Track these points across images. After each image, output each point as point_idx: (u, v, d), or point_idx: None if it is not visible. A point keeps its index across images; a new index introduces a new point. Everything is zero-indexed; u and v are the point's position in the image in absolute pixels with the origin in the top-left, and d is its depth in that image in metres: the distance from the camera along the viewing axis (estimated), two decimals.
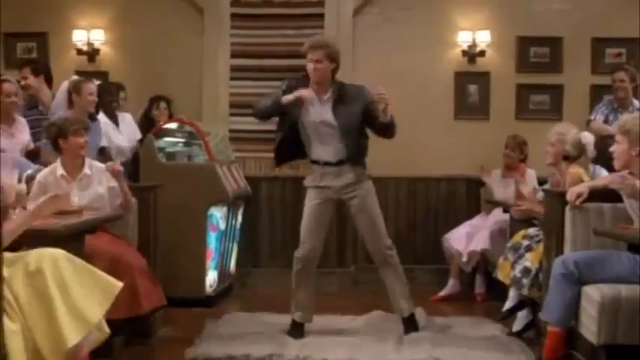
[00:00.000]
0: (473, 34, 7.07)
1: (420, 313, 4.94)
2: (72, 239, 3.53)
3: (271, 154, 4.86)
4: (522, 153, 6.14)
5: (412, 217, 7.10)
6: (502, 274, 4.76)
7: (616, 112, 6.15)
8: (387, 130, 4.57)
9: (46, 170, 4.41)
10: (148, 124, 6.32)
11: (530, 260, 4.53)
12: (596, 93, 6.91)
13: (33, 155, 4.98)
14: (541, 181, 5.41)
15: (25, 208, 3.54)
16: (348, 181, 4.63)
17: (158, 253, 4.98)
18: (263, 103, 4.61)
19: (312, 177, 4.68)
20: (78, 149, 4.37)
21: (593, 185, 4.14)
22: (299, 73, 4.80)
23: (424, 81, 7.10)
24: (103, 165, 4.50)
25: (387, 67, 6.97)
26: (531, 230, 4.74)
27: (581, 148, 4.70)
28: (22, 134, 5.07)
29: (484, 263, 5.94)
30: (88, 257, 3.53)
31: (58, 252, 3.11)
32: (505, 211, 5.74)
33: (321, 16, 7.06)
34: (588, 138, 4.81)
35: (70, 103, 5.26)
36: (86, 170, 4.41)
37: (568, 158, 4.67)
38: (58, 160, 4.42)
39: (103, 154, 5.40)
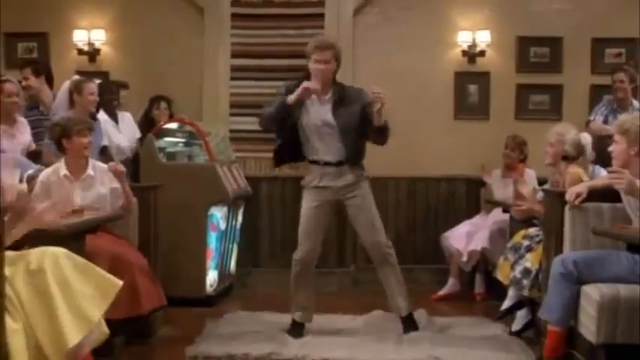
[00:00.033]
0: (473, 34, 7.08)
1: (421, 314, 4.96)
2: (73, 238, 3.54)
3: (271, 155, 4.86)
4: (522, 153, 6.15)
5: (412, 217, 7.11)
6: (502, 275, 4.76)
7: (615, 112, 6.15)
8: (380, 133, 4.52)
9: (48, 170, 4.42)
10: (148, 124, 6.32)
11: (530, 261, 4.53)
12: (596, 93, 6.92)
13: (35, 156, 4.99)
14: (541, 181, 5.41)
15: (26, 207, 3.54)
16: (347, 181, 4.64)
17: (158, 253, 4.99)
18: (268, 111, 4.58)
19: (311, 177, 4.68)
20: (82, 149, 4.39)
21: (592, 185, 4.15)
22: (299, 73, 4.81)
23: (424, 81, 7.11)
24: (105, 165, 4.52)
25: (387, 67, 6.99)
26: (531, 230, 4.74)
27: (580, 148, 4.71)
28: (23, 135, 5.08)
29: (484, 263, 5.95)
30: (89, 256, 3.53)
31: (60, 251, 3.12)
32: (505, 211, 5.75)
33: (322, 16, 7.08)
34: (587, 139, 4.82)
35: (72, 103, 5.27)
36: (90, 171, 4.43)
37: (567, 158, 4.68)
38: (62, 160, 4.43)
39: (104, 154, 5.41)
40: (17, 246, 3.20)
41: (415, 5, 7.13)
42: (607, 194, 4.00)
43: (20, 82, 5.40)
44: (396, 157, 6.72)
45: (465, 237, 6.00)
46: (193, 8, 7.16)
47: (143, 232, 4.79)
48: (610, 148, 3.89)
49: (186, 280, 5.45)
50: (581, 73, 7.10)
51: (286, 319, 4.80)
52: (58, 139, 4.40)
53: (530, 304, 4.60)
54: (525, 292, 4.51)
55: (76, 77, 5.50)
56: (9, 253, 2.98)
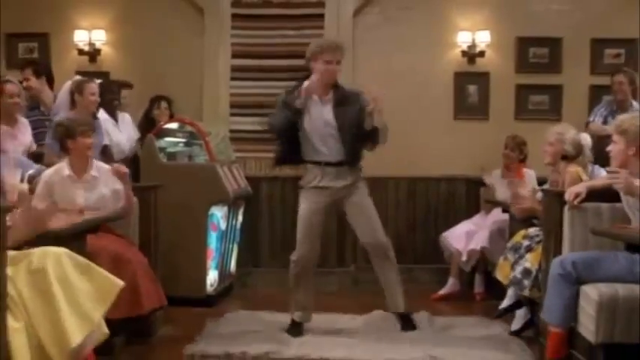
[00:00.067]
0: (472, 35, 7.09)
1: (422, 316, 4.98)
2: (74, 238, 3.55)
3: (271, 155, 4.87)
4: (522, 153, 6.16)
5: (412, 217, 7.12)
6: (501, 275, 4.76)
7: (615, 114, 6.14)
8: (370, 137, 4.57)
9: (50, 170, 4.43)
10: (148, 124, 6.33)
11: (530, 261, 4.53)
12: (595, 93, 6.94)
13: (36, 158, 5.00)
14: (541, 181, 5.42)
15: (27, 207, 3.55)
16: (346, 182, 4.66)
17: (159, 253, 5.00)
18: (277, 119, 4.59)
19: (311, 177, 4.69)
20: (85, 150, 4.40)
21: (591, 185, 4.15)
22: (299, 73, 4.82)
23: (424, 81, 7.12)
24: (108, 166, 4.53)
25: (387, 68, 7.00)
26: (531, 230, 4.74)
27: (579, 147, 4.72)
28: (24, 135, 5.10)
29: (483, 263, 5.96)
30: (91, 256, 3.54)
31: (61, 250, 3.13)
32: (505, 211, 5.76)
33: (322, 16, 7.09)
34: (587, 139, 4.82)
35: (73, 104, 5.27)
36: (94, 172, 4.44)
37: (566, 158, 4.69)
38: (66, 160, 4.44)
39: (105, 154, 5.42)
40: (18, 246, 3.21)
41: (415, 5, 7.14)
42: (606, 194, 4.01)
43: (21, 82, 5.41)
44: (396, 157, 6.73)
45: (465, 237, 6.02)
46: (193, 9, 7.18)
47: (144, 232, 4.80)
48: (608, 148, 3.89)
49: (186, 280, 5.46)
50: (581, 73, 7.10)
51: (286, 318, 4.81)
52: (62, 139, 4.42)
53: (530, 303, 4.61)
54: (526, 293, 4.50)
55: (78, 77, 5.51)
56: (10, 253, 2.99)
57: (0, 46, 7.17)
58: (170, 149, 6.03)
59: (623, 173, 3.67)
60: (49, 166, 4.58)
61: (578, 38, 7.07)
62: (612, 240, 3.90)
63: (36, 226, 3.28)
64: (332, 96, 4.62)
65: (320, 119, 4.59)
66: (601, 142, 4.96)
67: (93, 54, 7.17)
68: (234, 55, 7.13)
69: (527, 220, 4.91)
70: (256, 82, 7.06)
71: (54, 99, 5.56)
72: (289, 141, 4.66)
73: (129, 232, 4.62)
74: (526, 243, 4.65)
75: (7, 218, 2.92)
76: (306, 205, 4.69)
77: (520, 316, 4.72)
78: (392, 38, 7.12)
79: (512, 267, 4.62)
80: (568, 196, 4.10)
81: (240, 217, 6.32)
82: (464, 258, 5.94)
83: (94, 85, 5.36)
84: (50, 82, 5.80)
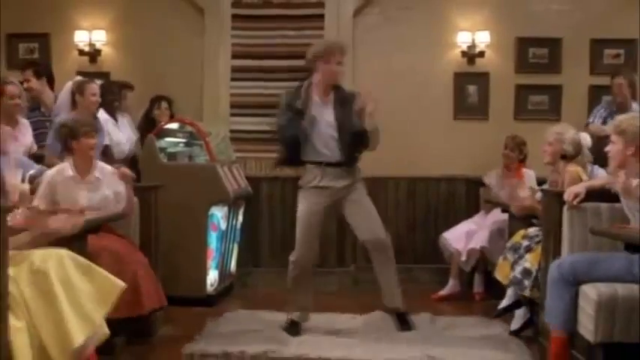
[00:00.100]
0: (472, 35, 7.09)
1: (424, 317, 4.99)
2: (75, 238, 3.56)
3: (271, 154, 4.88)
4: (521, 153, 6.17)
5: (412, 217, 7.13)
6: (501, 275, 4.77)
7: (614, 115, 6.13)
8: (362, 139, 4.58)
9: (53, 170, 4.43)
10: (149, 125, 6.33)
11: (530, 261, 4.53)
12: (595, 94, 6.95)
13: (36, 160, 5.01)
14: (540, 181, 5.43)
15: (28, 207, 3.57)
16: (346, 182, 4.68)
17: (159, 253, 5.01)
18: (289, 131, 4.59)
19: (311, 177, 4.69)
20: (89, 150, 4.42)
21: (590, 185, 4.16)
22: (299, 73, 4.84)
23: (424, 81, 7.13)
24: (111, 168, 4.54)
25: (387, 68, 7.01)
26: (531, 230, 4.74)
27: (579, 147, 4.73)
28: (25, 136, 5.10)
29: (483, 262, 5.97)
30: (92, 256, 3.56)
31: (63, 252, 3.14)
32: (504, 211, 5.76)
33: (322, 16, 7.09)
34: (586, 139, 4.83)
35: (74, 104, 5.28)
36: (97, 174, 4.45)
37: (566, 157, 4.70)
38: (69, 161, 4.45)
39: (106, 154, 5.43)
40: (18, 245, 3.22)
41: (415, 6, 7.15)
42: (605, 194, 4.01)
43: (22, 83, 5.42)
44: (396, 157, 6.74)
45: (465, 237, 6.02)
46: (194, 9, 7.18)
47: (144, 232, 4.81)
48: (607, 149, 3.89)
49: (186, 280, 5.47)
50: (580, 73, 7.11)
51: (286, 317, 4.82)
52: (66, 139, 4.43)
53: (530, 303, 4.61)
54: (527, 293, 4.50)
55: (78, 78, 5.51)
56: (12, 253, 3.00)
57: (0, 46, 7.18)
58: (170, 149, 6.05)
59: (621, 175, 3.67)
60: (49, 167, 4.59)
61: (577, 38, 7.07)
62: (611, 240, 3.90)
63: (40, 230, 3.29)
64: (333, 97, 4.64)
65: (321, 120, 4.61)
66: (600, 142, 4.97)
67: (93, 54, 7.18)
68: (235, 56, 7.14)
69: (527, 220, 4.92)
70: (256, 82, 7.07)
71: (55, 100, 5.57)
72: (294, 144, 4.67)
73: (129, 233, 4.63)
74: (525, 243, 4.65)
75: (8, 218, 2.93)
76: (305, 206, 4.70)
77: (519, 315, 4.72)
78: (392, 38, 7.12)
79: (512, 267, 4.62)
80: (567, 196, 4.10)
81: (240, 217, 6.33)
82: (463, 257, 5.94)
83: (95, 85, 5.36)
84: (51, 82, 5.80)
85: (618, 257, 3.79)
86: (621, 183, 3.68)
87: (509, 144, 6.18)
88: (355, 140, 4.61)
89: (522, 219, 4.98)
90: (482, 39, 7.08)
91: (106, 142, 5.54)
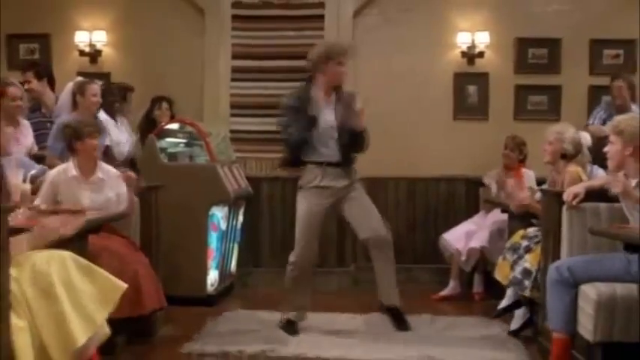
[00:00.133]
0: (472, 36, 7.10)
1: (424, 318, 5.01)
2: (75, 239, 3.56)
3: (271, 155, 4.90)
4: (521, 153, 6.17)
5: (412, 217, 7.13)
6: (501, 275, 4.78)
7: (614, 116, 6.17)
8: (357, 138, 4.61)
9: (55, 170, 4.44)
10: (149, 125, 6.34)
11: (529, 262, 4.53)
12: (594, 94, 6.96)
13: (37, 161, 5.01)
14: (540, 182, 5.43)
15: (29, 207, 3.58)
16: (346, 182, 4.71)
17: (160, 253, 5.02)
18: (300, 137, 4.61)
19: (311, 177, 4.70)
20: (92, 151, 4.43)
21: (589, 185, 4.16)
22: (299, 74, 4.85)
23: (424, 82, 7.14)
24: (114, 170, 4.55)
25: (387, 68, 7.03)
26: (530, 230, 4.75)
27: (579, 146, 4.73)
28: (26, 137, 5.11)
29: (483, 263, 5.98)
30: (93, 257, 3.56)
31: (66, 254, 3.14)
32: (504, 211, 5.77)
33: (322, 17, 7.10)
34: (586, 138, 4.84)
35: (74, 105, 5.28)
36: (100, 174, 4.46)
37: (566, 157, 4.71)
38: (73, 161, 4.45)
39: (107, 154, 5.43)
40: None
41: (415, 7, 7.16)
42: (604, 194, 4.02)
43: (22, 84, 5.42)
44: (396, 157, 6.76)
45: (465, 237, 6.03)
46: (194, 9, 7.20)
47: (145, 233, 4.82)
48: (605, 149, 3.90)
49: (187, 280, 5.48)
50: (580, 74, 7.12)
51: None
52: (70, 140, 4.44)
53: (529, 303, 4.62)
54: (527, 293, 4.51)
55: (79, 79, 5.52)
56: (15, 255, 3.00)
57: (1, 46, 7.18)
58: (171, 150, 6.06)
59: (620, 177, 3.68)
60: (50, 167, 4.59)
61: (577, 39, 7.09)
62: (610, 240, 3.91)
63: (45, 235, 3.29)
64: (334, 97, 4.67)
65: (324, 120, 4.63)
66: (600, 142, 4.98)
67: (94, 55, 7.19)
68: (235, 56, 7.15)
69: (526, 220, 4.93)
70: (256, 82, 7.08)
71: (55, 101, 5.57)
72: (301, 148, 4.68)
73: (130, 233, 4.63)
74: (525, 243, 4.65)
75: (9, 218, 2.93)
76: (305, 206, 4.71)
77: (519, 315, 4.73)
78: (392, 39, 7.14)
79: (512, 267, 4.63)
80: (566, 196, 4.11)
81: (240, 217, 6.34)
82: (463, 257, 5.95)
83: (96, 86, 5.37)
84: (51, 84, 5.81)
85: (616, 258, 3.79)
86: (620, 185, 3.68)
87: (509, 144, 6.19)
88: (354, 140, 4.63)
89: (521, 219, 4.99)
90: (482, 39, 7.09)
91: (108, 142, 5.55)
